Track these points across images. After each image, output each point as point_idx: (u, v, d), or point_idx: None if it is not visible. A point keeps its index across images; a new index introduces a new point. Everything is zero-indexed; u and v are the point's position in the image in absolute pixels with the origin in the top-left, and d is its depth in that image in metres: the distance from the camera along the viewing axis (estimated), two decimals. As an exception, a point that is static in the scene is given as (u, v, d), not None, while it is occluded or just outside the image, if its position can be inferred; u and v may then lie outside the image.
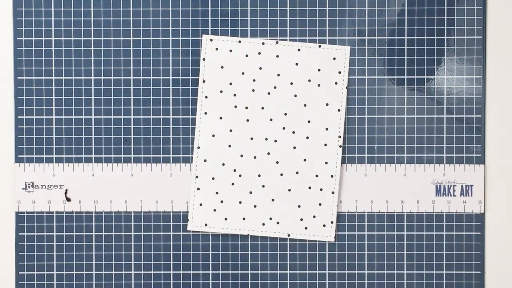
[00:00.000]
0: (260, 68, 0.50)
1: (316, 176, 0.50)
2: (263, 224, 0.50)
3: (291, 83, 0.50)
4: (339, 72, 0.50)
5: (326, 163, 0.50)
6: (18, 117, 0.51)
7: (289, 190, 0.50)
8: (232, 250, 0.51)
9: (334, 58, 0.50)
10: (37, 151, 0.51)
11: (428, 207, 0.51)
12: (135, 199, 0.51)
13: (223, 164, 0.50)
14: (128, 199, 0.51)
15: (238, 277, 0.51)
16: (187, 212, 0.51)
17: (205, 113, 0.50)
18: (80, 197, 0.51)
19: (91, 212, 0.51)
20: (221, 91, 0.50)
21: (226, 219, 0.50)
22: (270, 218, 0.51)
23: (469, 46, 0.51)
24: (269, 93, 0.50)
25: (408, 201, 0.50)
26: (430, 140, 0.51)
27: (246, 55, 0.50)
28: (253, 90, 0.50)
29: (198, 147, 0.50)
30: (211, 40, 0.51)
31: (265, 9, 0.51)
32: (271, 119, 0.50)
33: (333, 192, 0.50)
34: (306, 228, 0.50)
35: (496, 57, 0.51)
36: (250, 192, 0.50)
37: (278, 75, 0.50)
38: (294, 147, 0.50)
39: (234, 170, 0.50)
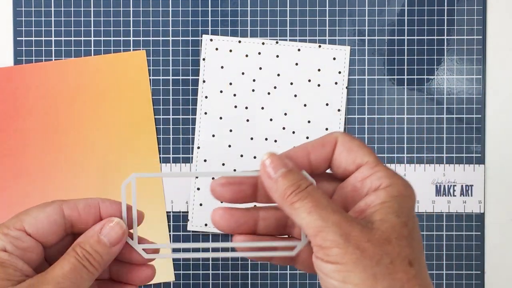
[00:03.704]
0: (260, 68, 0.50)
1: (316, 176, 0.50)
2: (263, 224, 0.50)
3: (291, 83, 0.50)
4: (339, 72, 0.50)
5: (326, 163, 0.50)
6: (18, 117, 0.51)
7: (289, 190, 0.50)
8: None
9: (334, 58, 0.50)
10: (37, 151, 0.51)
11: (428, 207, 0.51)
12: (135, 199, 0.51)
13: (223, 164, 0.50)
14: (127, 199, 0.51)
15: (238, 277, 0.51)
16: (187, 212, 0.51)
17: (205, 113, 0.50)
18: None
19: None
20: (221, 91, 0.50)
21: (226, 219, 0.50)
22: (270, 218, 0.50)
23: (469, 46, 0.51)
24: (269, 93, 0.50)
25: (408, 201, 0.50)
26: (430, 140, 0.51)
27: (246, 55, 0.50)
28: (253, 90, 0.50)
29: (198, 147, 0.50)
30: (211, 40, 0.51)
31: (265, 9, 0.51)
32: (271, 119, 0.50)
33: (333, 192, 0.50)
34: (306, 228, 0.50)
35: (496, 57, 0.51)
36: (250, 192, 0.50)
37: (278, 75, 0.50)
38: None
39: (234, 170, 0.50)
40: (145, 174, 0.29)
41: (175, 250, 0.30)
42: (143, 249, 0.29)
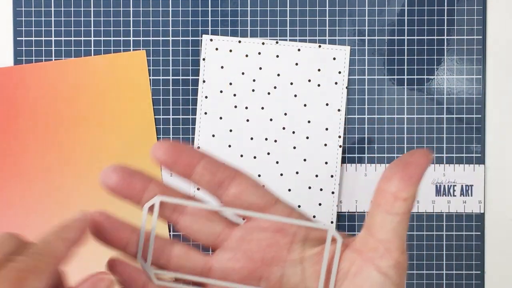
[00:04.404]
0: (260, 68, 0.50)
1: (316, 176, 0.50)
2: (263, 224, 0.50)
3: (291, 83, 0.50)
4: (339, 72, 0.50)
5: (326, 163, 0.50)
6: (18, 117, 0.51)
7: (289, 190, 0.50)
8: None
9: (334, 58, 0.50)
10: (37, 151, 0.51)
11: (428, 207, 0.51)
12: (135, 199, 0.51)
13: (223, 164, 0.50)
14: (128, 199, 0.51)
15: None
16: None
17: (205, 113, 0.50)
18: (80, 197, 0.52)
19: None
20: (221, 91, 0.50)
21: (226, 219, 0.50)
22: (270, 218, 0.50)
23: (469, 46, 0.51)
24: (269, 93, 0.50)
25: (408, 201, 0.50)
26: (430, 140, 0.51)
27: (246, 55, 0.50)
28: (253, 90, 0.50)
29: (198, 147, 0.50)
30: (211, 40, 0.51)
31: (265, 9, 0.51)
32: (271, 119, 0.50)
33: (333, 192, 0.50)
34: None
35: (496, 57, 0.51)
36: (250, 192, 0.50)
37: (278, 75, 0.50)
38: (294, 147, 0.50)
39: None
40: (170, 199, 0.28)
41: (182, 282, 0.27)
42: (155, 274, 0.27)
